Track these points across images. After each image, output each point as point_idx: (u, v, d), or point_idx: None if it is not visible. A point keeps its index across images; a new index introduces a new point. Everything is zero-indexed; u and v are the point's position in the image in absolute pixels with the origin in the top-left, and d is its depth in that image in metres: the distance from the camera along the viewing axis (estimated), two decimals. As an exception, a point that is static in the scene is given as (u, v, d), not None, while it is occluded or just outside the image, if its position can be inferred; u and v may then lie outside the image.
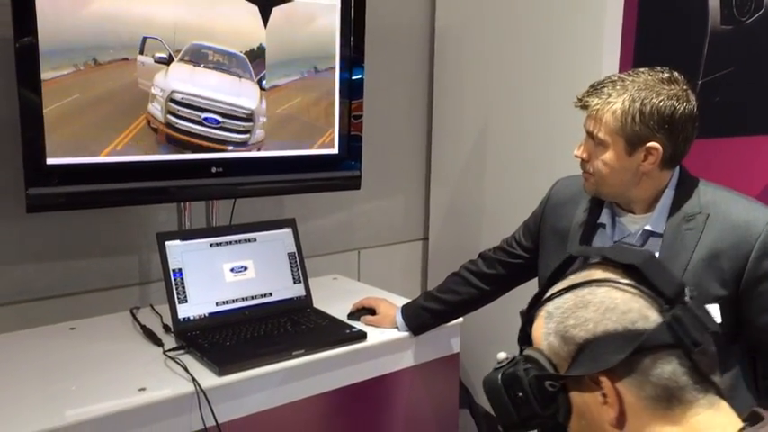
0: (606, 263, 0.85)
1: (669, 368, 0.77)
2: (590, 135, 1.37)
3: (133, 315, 1.81)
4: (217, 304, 1.74)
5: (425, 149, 2.64)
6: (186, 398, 1.43)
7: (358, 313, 1.85)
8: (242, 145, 1.90)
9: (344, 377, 1.69)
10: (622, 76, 1.36)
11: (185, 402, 1.43)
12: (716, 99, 2.26)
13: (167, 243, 1.72)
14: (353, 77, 2.09)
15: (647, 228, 1.38)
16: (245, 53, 1.86)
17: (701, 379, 0.78)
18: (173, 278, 1.70)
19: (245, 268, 1.81)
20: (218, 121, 1.84)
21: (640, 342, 0.76)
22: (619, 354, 0.77)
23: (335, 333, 1.73)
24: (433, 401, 1.91)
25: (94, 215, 1.91)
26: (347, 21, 2.04)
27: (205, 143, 1.84)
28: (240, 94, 1.87)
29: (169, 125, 1.78)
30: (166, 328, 1.73)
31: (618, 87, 1.33)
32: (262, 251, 1.84)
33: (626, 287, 0.80)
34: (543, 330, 0.85)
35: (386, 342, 1.76)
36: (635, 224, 1.41)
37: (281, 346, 1.62)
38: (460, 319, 1.87)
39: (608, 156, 1.35)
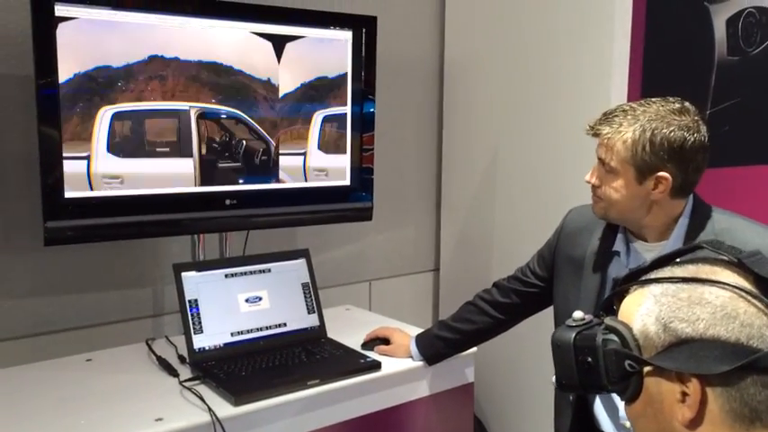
0: (738, 267, 0.81)
1: (765, 392, 0.75)
2: (601, 162, 1.40)
3: (149, 346, 1.82)
4: (232, 335, 1.75)
5: (436, 181, 2.66)
6: (203, 428, 1.43)
7: (372, 343, 1.85)
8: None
9: (359, 407, 1.68)
10: (634, 105, 1.38)
11: (202, 432, 1.43)
12: (724, 128, 2.28)
13: (183, 274, 1.73)
14: (365, 110, 2.12)
15: (662, 255, 1.39)
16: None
17: None
18: (188, 309, 1.71)
19: (260, 299, 1.82)
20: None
21: (752, 360, 0.74)
22: (723, 365, 0.75)
23: (350, 363, 1.73)
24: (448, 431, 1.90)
25: (109, 247, 1.93)
26: (359, 55, 2.08)
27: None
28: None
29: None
30: (181, 358, 1.73)
31: (629, 117, 1.35)
32: (276, 281, 1.85)
33: (754, 300, 0.77)
34: (642, 310, 0.82)
35: (400, 372, 1.76)
36: (650, 252, 1.41)
37: (296, 375, 1.62)
38: (474, 349, 1.86)
39: (618, 183, 1.37)
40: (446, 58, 2.58)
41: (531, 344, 2.08)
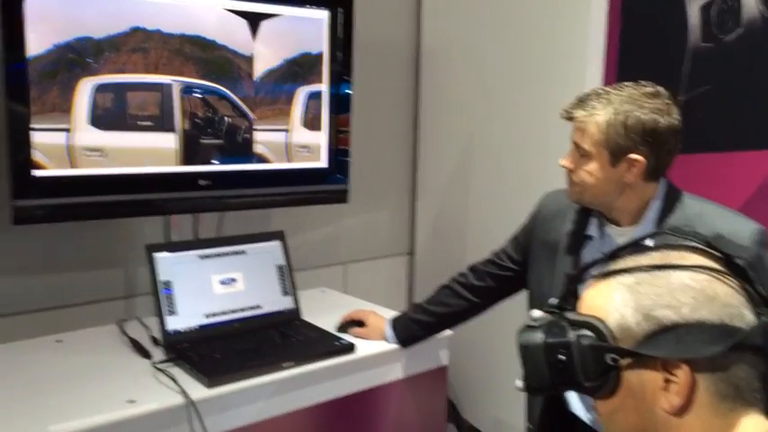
0: (707, 251, 0.82)
1: (746, 369, 0.77)
2: (576, 146, 1.41)
3: (121, 328, 1.80)
4: (206, 316, 1.74)
5: (411, 164, 2.66)
6: (176, 410, 1.42)
7: (346, 325, 1.85)
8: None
9: (334, 390, 1.68)
10: (608, 88, 1.40)
11: (175, 415, 1.42)
12: (697, 115, 2.30)
13: (156, 255, 1.71)
14: (341, 92, 2.10)
15: (635, 239, 1.40)
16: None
17: (765, 386, 0.78)
18: (162, 290, 1.69)
19: (235, 280, 1.80)
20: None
21: (739, 340, 0.75)
22: (713, 346, 0.75)
23: (324, 345, 1.72)
24: (422, 414, 1.91)
25: (80, 227, 1.89)
26: (335, 36, 2.06)
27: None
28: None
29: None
30: (154, 340, 1.71)
31: (603, 100, 1.37)
32: (251, 263, 1.84)
33: (728, 280, 0.78)
34: (616, 301, 0.80)
35: (375, 354, 1.76)
36: (623, 236, 1.43)
37: (270, 358, 1.61)
38: (449, 332, 1.87)
39: (592, 166, 1.38)
40: (423, 42, 2.56)
41: (505, 328, 2.09)
